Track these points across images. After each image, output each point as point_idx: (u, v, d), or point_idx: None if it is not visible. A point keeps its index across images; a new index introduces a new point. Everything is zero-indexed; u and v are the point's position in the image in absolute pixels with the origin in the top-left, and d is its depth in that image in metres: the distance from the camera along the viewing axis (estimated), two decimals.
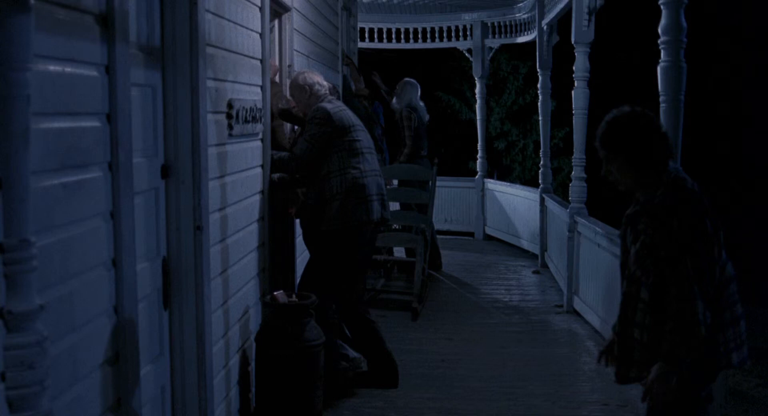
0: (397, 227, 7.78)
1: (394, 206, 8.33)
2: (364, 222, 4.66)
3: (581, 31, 6.78)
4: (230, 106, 3.72)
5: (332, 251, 4.69)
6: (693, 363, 2.73)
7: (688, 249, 2.68)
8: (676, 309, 2.69)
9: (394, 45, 11.11)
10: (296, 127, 5.16)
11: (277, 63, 5.19)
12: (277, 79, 5.17)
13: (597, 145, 2.88)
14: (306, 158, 4.64)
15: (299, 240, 5.53)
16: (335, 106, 4.76)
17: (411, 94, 8.17)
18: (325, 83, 4.90)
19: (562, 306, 7.11)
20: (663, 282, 2.76)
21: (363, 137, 4.79)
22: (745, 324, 2.89)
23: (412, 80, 8.30)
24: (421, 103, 8.32)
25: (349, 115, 4.80)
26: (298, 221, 5.45)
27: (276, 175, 4.68)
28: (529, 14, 9.68)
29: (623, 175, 2.87)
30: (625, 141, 2.82)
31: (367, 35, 10.90)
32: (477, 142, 11.01)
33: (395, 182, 8.35)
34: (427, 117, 8.34)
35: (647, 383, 2.79)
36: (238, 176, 3.94)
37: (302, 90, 4.80)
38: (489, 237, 10.78)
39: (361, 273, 5.00)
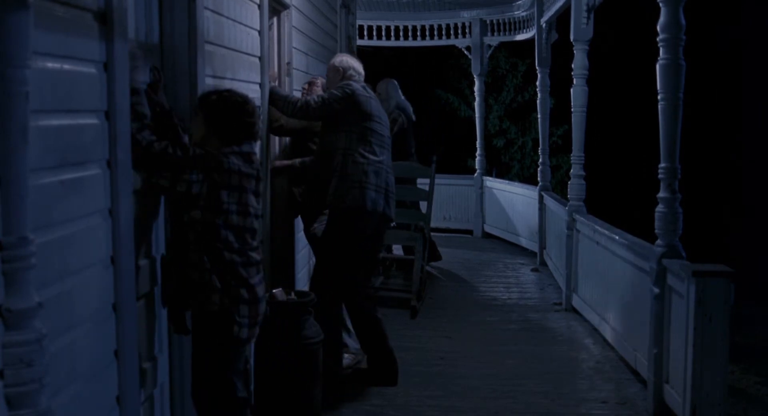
0: (395, 225, 7.77)
1: None
2: (358, 208, 4.63)
3: (580, 29, 6.77)
4: None
5: (331, 230, 4.76)
6: (214, 330, 2.99)
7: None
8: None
9: (393, 42, 11.12)
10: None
11: (275, 70, 5.15)
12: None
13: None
14: (311, 111, 4.66)
15: (299, 236, 5.53)
16: (365, 92, 4.78)
17: (395, 95, 8.03)
18: (362, 71, 4.96)
19: (560, 303, 7.11)
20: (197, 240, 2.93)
21: (379, 129, 4.77)
22: (263, 308, 3.13)
23: (392, 80, 8.12)
24: (405, 101, 8.12)
25: (375, 106, 4.80)
26: (298, 218, 5.44)
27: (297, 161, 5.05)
28: (528, 12, 9.68)
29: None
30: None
31: (366, 33, 10.90)
32: (476, 140, 11.02)
33: None
34: (413, 117, 8.22)
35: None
36: None
37: (336, 72, 4.91)
38: (488, 235, 10.78)
39: (362, 263, 4.86)
